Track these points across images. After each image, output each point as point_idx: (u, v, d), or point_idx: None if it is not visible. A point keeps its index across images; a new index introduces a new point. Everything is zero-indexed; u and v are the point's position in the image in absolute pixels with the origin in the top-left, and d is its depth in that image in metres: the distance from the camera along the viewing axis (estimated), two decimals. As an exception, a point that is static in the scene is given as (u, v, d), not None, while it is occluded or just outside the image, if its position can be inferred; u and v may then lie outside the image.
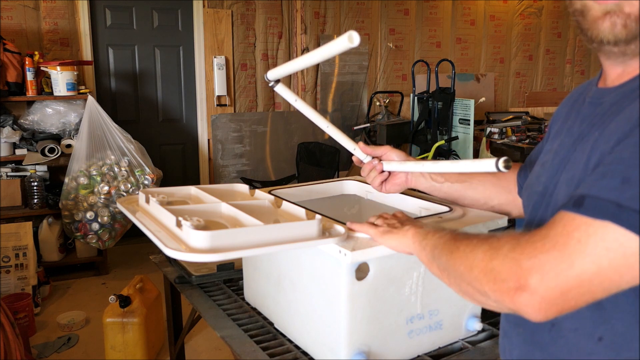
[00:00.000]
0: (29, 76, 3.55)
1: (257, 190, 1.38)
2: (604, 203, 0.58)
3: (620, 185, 0.57)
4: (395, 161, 1.18)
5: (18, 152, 3.60)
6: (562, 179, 0.73)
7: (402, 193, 1.40)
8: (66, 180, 3.56)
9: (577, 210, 0.60)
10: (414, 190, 1.28)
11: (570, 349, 0.70)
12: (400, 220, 1.02)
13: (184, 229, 0.92)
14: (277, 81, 1.00)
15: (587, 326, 0.63)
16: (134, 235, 3.81)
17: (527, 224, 0.83)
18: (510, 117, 5.37)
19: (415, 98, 4.77)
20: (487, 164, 0.87)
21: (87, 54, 4.08)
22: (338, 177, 3.91)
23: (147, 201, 1.16)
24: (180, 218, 0.96)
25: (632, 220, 0.55)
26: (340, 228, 1.05)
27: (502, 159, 0.83)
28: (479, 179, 1.14)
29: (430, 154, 4.15)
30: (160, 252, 1.01)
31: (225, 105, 4.62)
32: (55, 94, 3.62)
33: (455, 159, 4.52)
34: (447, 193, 1.20)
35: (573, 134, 0.77)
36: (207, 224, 0.99)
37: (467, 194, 1.17)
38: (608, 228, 0.57)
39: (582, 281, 0.58)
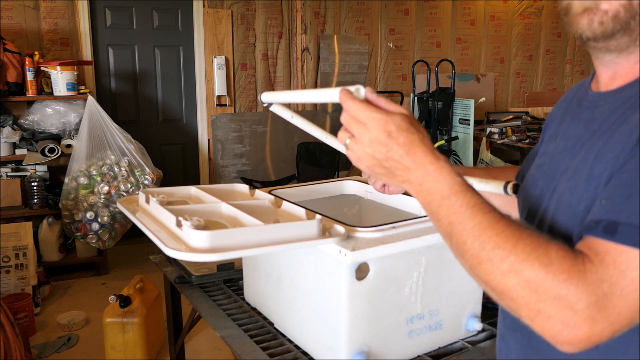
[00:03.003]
0: (29, 76, 3.55)
1: (257, 190, 1.38)
2: None
3: None
4: None
5: (18, 152, 3.60)
6: (563, 187, 0.72)
7: (403, 193, 1.40)
8: (66, 180, 3.56)
9: (613, 238, 0.58)
10: None
11: (566, 354, 0.70)
12: (394, 153, 0.68)
13: (184, 229, 0.92)
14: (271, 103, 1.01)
15: None
16: (134, 235, 3.81)
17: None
18: (510, 117, 5.37)
19: (415, 98, 4.77)
20: (495, 186, 0.85)
21: (87, 54, 4.08)
22: (338, 177, 3.91)
23: (147, 201, 1.16)
24: (180, 218, 0.96)
25: None
26: (340, 228, 1.04)
27: (510, 184, 0.82)
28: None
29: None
30: (160, 252, 1.01)
31: (225, 105, 4.62)
32: (55, 94, 3.62)
33: (456, 158, 4.52)
34: None
35: (569, 138, 0.76)
36: (207, 224, 0.99)
37: None
38: None
39: (634, 319, 0.58)
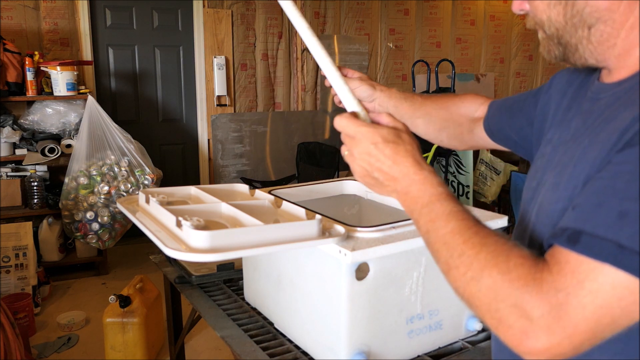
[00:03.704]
0: (29, 76, 3.55)
1: (257, 190, 1.38)
2: (606, 243, 0.54)
3: (618, 221, 0.54)
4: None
5: (18, 152, 3.60)
6: (550, 183, 0.71)
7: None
8: (66, 180, 3.57)
9: (574, 248, 0.57)
10: None
11: None
12: (383, 165, 0.72)
13: (184, 229, 0.92)
14: None
15: None
16: (134, 235, 3.81)
17: (520, 218, 0.81)
18: (510, 117, 5.37)
19: (415, 98, 4.76)
20: None
21: (87, 54, 4.08)
22: (338, 177, 3.91)
23: (147, 201, 1.16)
24: (180, 218, 0.96)
25: (634, 263, 0.53)
26: (340, 228, 1.04)
27: None
28: (430, 113, 1.12)
29: (430, 154, 4.15)
30: (160, 252, 1.01)
31: (225, 105, 4.62)
32: (55, 94, 3.62)
33: (456, 158, 4.52)
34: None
35: (569, 130, 0.74)
36: (207, 224, 0.99)
37: (418, 122, 1.13)
38: (618, 274, 0.54)
39: (595, 333, 0.56)
